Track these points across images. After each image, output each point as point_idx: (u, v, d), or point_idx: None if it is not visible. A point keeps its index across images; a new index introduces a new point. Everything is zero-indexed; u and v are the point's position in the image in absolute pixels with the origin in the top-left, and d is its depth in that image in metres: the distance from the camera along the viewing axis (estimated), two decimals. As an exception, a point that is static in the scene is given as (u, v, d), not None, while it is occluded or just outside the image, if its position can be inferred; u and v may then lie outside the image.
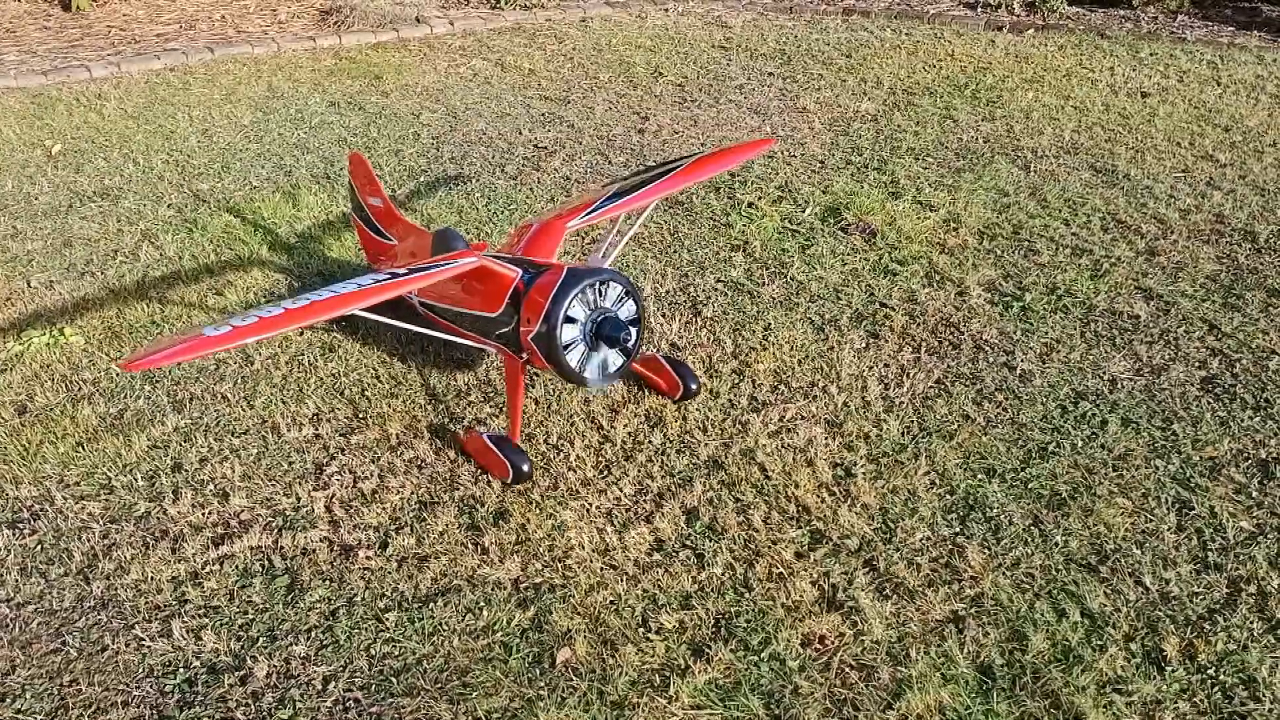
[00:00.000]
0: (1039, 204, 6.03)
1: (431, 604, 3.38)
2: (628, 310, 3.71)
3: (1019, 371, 4.48)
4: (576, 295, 3.59)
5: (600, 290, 3.65)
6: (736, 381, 4.44)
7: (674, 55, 9.13)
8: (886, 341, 4.74)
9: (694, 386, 4.24)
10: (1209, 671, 3.05)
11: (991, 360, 4.57)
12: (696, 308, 5.06)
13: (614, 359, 3.74)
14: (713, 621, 3.28)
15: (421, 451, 4.07)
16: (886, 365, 4.56)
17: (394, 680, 3.12)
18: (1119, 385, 4.37)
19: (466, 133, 7.43)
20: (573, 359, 3.65)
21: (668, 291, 5.21)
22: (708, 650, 3.16)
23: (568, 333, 3.61)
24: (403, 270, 3.68)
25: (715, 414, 4.24)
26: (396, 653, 3.22)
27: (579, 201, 4.40)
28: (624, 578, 3.45)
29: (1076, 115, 7.39)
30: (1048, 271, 5.29)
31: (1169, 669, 3.06)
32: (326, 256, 5.67)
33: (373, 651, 3.22)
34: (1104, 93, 7.84)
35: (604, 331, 3.64)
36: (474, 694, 3.07)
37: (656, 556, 3.56)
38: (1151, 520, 3.62)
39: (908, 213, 5.94)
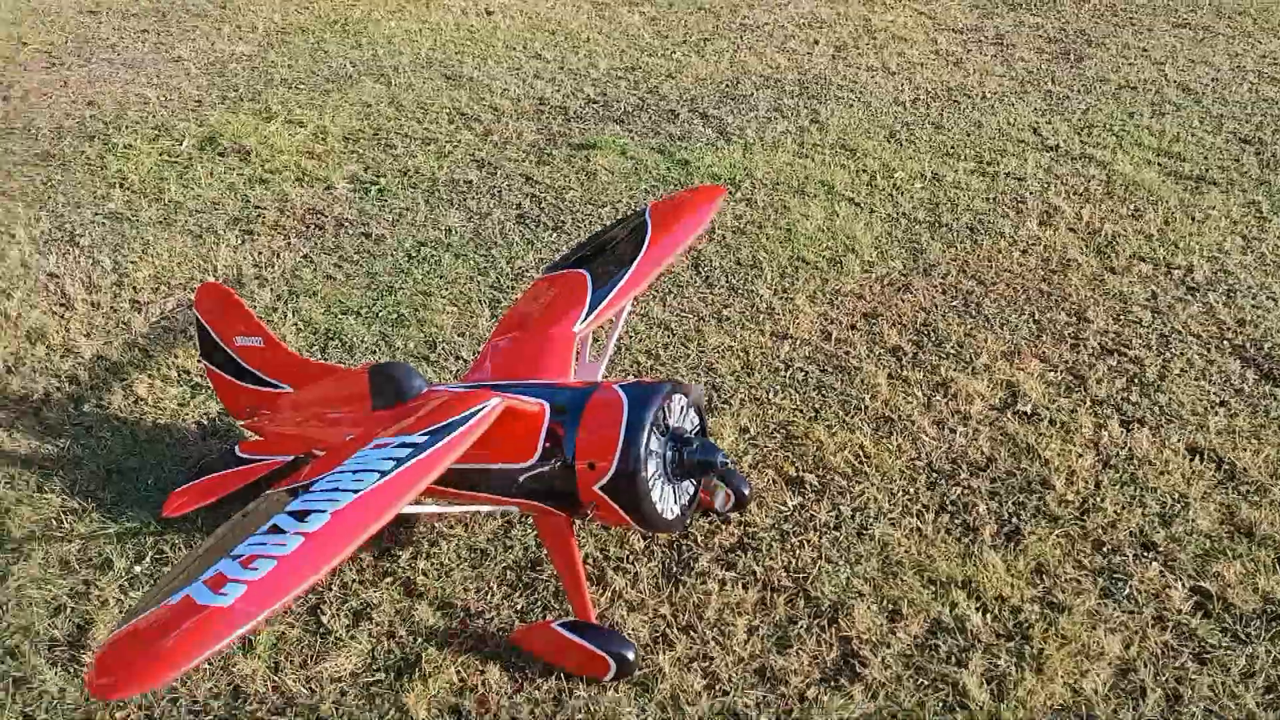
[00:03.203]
0: (396, 109, 6.92)
1: None
2: (692, 422, 3.01)
3: (374, 236, 5.32)
4: (652, 422, 2.81)
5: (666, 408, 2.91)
6: (116, 292, 4.84)
7: (38, 24, 8.86)
8: (260, 235, 5.35)
9: (746, 492, 3.45)
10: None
11: (351, 233, 5.37)
12: (75, 240, 5.31)
13: (687, 490, 3.01)
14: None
15: None
16: (260, 253, 5.17)
17: None
18: (453, 232, 5.37)
19: None
20: (657, 501, 2.85)
21: (43, 232, 5.39)
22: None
23: (650, 469, 2.83)
24: (398, 440, 2.60)
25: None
26: None
27: (546, 299, 3.57)
28: None
29: (433, 36, 8.41)
30: (401, 160, 6.19)
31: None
32: None
33: None
34: (457, 15, 8.94)
35: (696, 458, 2.89)
36: None
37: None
38: (472, 319, 4.62)
39: (280, 132, 6.55)
